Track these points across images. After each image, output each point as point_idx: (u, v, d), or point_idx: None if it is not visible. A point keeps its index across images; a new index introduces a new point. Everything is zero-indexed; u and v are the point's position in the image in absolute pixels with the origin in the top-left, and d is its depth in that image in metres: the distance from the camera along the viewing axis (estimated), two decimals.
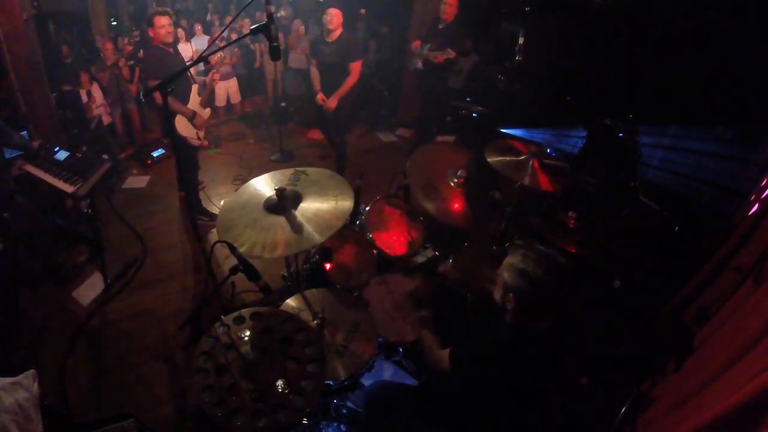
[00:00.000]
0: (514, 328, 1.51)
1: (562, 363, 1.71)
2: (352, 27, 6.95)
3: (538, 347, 1.48)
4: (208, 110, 3.72)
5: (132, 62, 5.03)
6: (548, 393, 1.56)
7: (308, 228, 1.65)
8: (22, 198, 2.81)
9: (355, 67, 3.92)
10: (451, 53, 4.12)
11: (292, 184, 1.86)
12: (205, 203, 3.96)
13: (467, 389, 1.58)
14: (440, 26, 4.32)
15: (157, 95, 1.78)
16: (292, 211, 1.72)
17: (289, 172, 1.96)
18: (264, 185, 1.90)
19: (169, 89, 1.81)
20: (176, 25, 5.53)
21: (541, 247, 1.48)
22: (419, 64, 4.48)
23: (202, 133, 3.62)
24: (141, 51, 4.98)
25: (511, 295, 1.46)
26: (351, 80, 3.93)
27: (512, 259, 1.48)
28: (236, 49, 5.89)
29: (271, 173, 1.98)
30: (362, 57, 4.15)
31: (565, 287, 1.45)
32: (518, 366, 1.47)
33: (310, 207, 1.76)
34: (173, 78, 1.90)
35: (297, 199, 1.79)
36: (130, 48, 5.16)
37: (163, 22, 3.20)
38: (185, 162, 3.56)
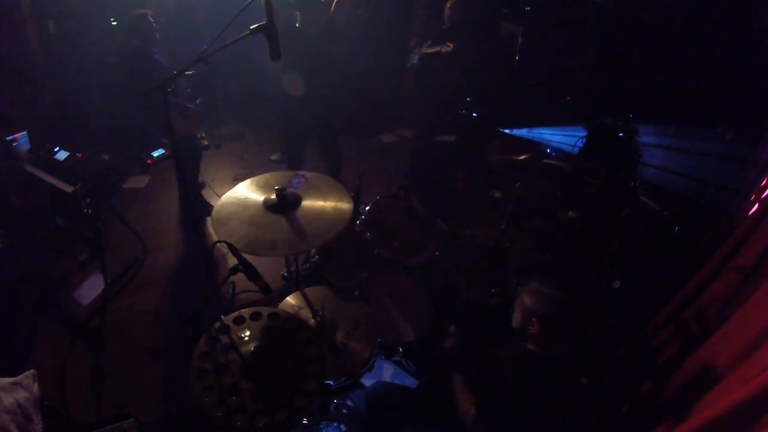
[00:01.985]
0: (534, 354, 1.50)
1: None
2: (350, 27, 6.97)
3: (559, 367, 1.47)
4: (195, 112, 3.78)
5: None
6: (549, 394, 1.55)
7: (306, 231, 1.65)
8: (15, 197, 2.81)
9: None
10: (448, 46, 4.14)
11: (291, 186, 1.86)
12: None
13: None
14: (444, 27, 4.36)
15: None
16: (292, 212, 1.73)
17: (289, 174, 1.96)
18: (263, 185, 1.90)
19: (169, 89, 1.81)
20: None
21: (555, 270, 1.49)
22: (415, 59, 4.51)
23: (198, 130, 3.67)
24: None
25: (534, 319, 1.46)
26: None
27: (531, 286, 1.49)
28: None
29: (271, 173, 1.98)
30: None
31: (585, 304, 1.47)
32: (545, 392, 1.46)
33: (310, 210, 1.76)
34: (173, 77, 1.90)
35: (297, 201, 1.80)
36: None
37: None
38: (185, 163, 3.59)
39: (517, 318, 1.55)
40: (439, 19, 4.47)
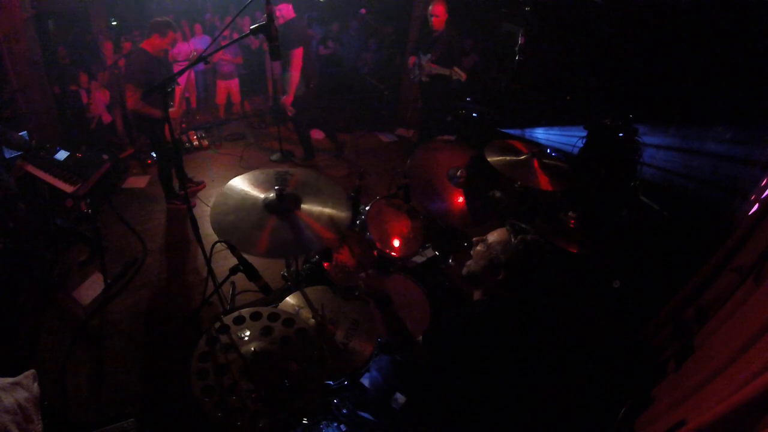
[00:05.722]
0: (489, 301, 1.56)
1: (560, 362, 1.72)
2: (346, 26, 6.98)
3: (511, 318, 1.52)
4: (176, 110, 3.88)
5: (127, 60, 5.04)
6: (546, 391, 1.56)
7: (307, 232, 1.66)
8: (23, 205, 2.83)
9: (295, 55, 4.07)
10: (461, 75, 4.09)
11: (281, 185, 1.85)
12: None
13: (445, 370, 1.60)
14: (435, 35, 4.25)
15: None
16: (293, 213, 1.73)
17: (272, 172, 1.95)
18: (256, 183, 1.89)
19: (169, 89, 1.82)
20: (176, 24, 5.57)
21: (535, 235, 1.53)
22: (424, 78, 4.41)
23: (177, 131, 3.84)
24: None
25: (501, 270, 1.51)
26: (293, 72, 4.14)
27: (513, 239, 1.52)
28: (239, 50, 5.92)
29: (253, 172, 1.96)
30: (303, 44, 4.21)
31: (547, 269, 1.53)
32: (492, 337, 1.50)
33: (311, 211, 1.76)
34: (172, 78, 1.91)
35: (296, 201, 1.80)
36: (129, 45, 5.16)
37: (172, 38, 3.35)
38: (163, 155, 3.82)
39: (477, 264, 1.57)
40: (429, 28, 4.36)
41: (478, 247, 1.60)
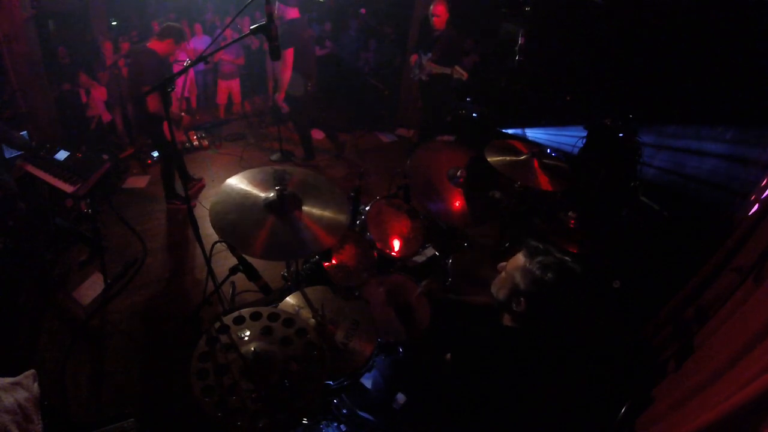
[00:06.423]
0: (510, 329, 1.50)
1: (561, 363, 1.71)
2: (345, 26, 6.97)
3: (533, 347, 1.48)
4: (186, 116, 3.88)
5: (131, 60, 5.04)
6: (547, 393, 1.56)
7: (306, 235, 1.66)
8: (23, 204, 2.83)
9: (287, 55, 3.99)
10: (463, 74, 4.07)
11: (280, 184, 1.84)
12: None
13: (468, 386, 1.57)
14: (435, 34, 4.26)
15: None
16: (293, 214, 1.73)
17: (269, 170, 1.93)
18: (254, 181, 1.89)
19: (169, 89, 1.82)
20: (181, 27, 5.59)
21: (559, 254, 1.42)
22: (424, 77, 4.42)
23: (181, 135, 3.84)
24: None
25: (522, 299, 1.42)
26: (284, 71, 4.09)
27: (528, 263, 1.42)
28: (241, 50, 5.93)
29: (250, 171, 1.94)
30: (295, 45, 4.07)
31: (577, 297, 1.44)
32: (515, 364, 1.46)
33: (311, 213, 1.76)
34: (172, 78, 1.91)
35: (297, 201, 1.80)
36: (127, 45, 5.16)
37: (181, 46, 3.49)
38: (165, 154, 3.83)
39: (502, 290, 1.49)
40: (430, 28, 4.35)
41: (503, 275, 1.51)
